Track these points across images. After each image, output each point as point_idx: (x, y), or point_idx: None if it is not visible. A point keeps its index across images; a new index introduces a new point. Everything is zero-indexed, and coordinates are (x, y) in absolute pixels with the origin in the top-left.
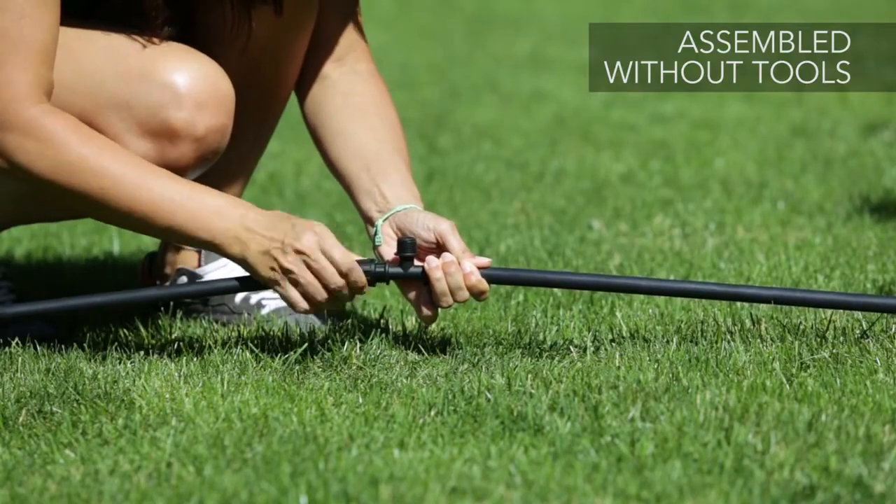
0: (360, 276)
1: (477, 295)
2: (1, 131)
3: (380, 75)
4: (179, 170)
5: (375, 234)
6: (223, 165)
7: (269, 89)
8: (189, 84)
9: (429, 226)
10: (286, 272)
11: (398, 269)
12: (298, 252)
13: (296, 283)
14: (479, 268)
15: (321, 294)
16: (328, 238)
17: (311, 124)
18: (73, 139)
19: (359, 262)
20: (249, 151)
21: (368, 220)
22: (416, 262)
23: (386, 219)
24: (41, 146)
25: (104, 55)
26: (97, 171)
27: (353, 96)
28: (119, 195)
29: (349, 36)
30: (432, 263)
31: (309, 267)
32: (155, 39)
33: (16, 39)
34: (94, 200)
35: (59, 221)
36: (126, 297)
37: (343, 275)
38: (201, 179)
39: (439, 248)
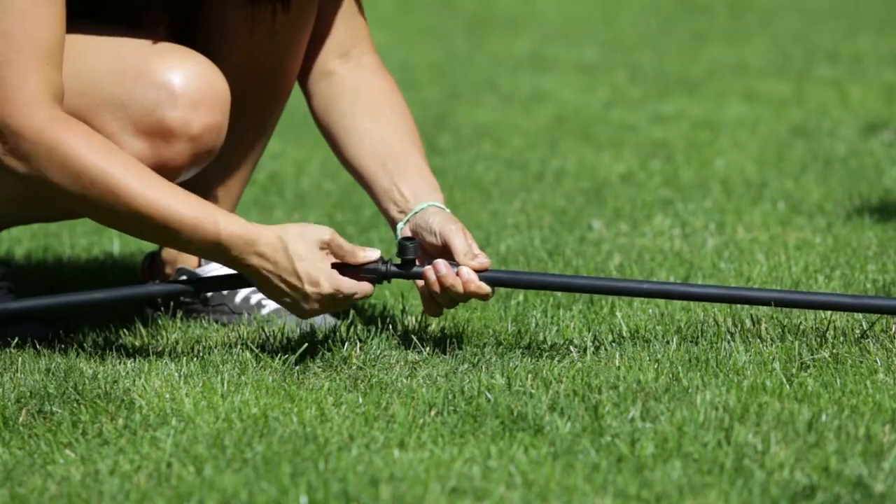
0: (368, 291)
1: (480, 298)
2: (12, 137)
3: (385, 67)
4: (175, 169)
5: (397, 238)
6: (223, 165)
7: (270, 87)
8: (184, 83)
9: (434, 230)
10: (309, 313)
11: (400, 271)
12: (321, 298)
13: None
14: (479, 270)
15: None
16: (342, 284)
17: (323, 123)
18: (84, 147)
19: (366, 262)
20: (249, 150)
21: (391, 222)
22: (420, 265)
23: (406, 222)
24: (52, 153)
25: (100, 55)
26: (108, 181)
27: (362, 91)
28: (129, 207)
29: (353, 29)
30: (430, 277)
31: (330, 302)
32: (151, 40)
33: (21, 41)
34: (104, 209)
35: (55, 222)
36: (130, 292)
37: (355, 299)
38: (200, 178)
39: (447, 249)
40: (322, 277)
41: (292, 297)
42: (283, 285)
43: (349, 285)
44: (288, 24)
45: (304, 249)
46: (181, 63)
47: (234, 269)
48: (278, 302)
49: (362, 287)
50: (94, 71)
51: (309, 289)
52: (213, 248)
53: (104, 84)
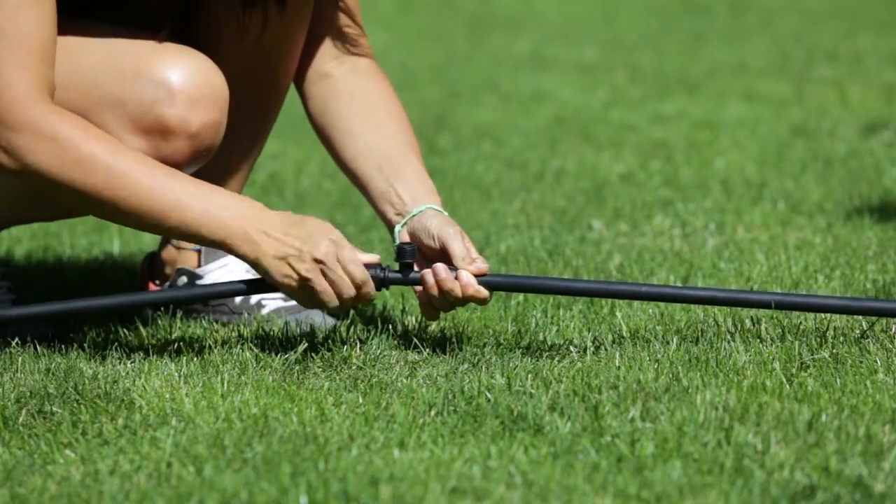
0: (371, 287)
1: (479, 303)
2: (8, 132)
3: (381, 70)
4: (173, 166)
5: (395, 242)
6: (221, 164)
7: (267, 86)
8: (182, 81)
9: (432, 233)
10: (302, 280)
11: (398, 276)
12: (316, 261)
13: (310, 290)
14: (478, 275)
15: (333, 302)
16: (344, 247)
17: (319, 125)
18: (81, 137)
19: (364, 265)
20: (247, 150)
21: (388, 225)
22: (418, 269)
23: (403, 225)
24: (50, 145)
25: (98, 53)
26: (108, 169)
27: (358, 94)
28: (131, 193)
29: (349, 32)
30: (429, 281)
31: (325, 276)
32: (149, 38)
33: (14, 38)
34: (104, 199)
35: (55, 221)
36: (129, 300)
37: (356, 286)
38: (198, 178)
39: (445, 253)
40: (331, 253)
41: (299, 276)
42: (293, 260)
43: (359, 267)
44: (283, 26)
45: (314, 232)
46: (179, 60)
47: (238, 248)
48: (281, 284)
49: (370, 283)
50: (93, 69)
51: (322, 252)
52: (220, 223)
53: (102, 82)
